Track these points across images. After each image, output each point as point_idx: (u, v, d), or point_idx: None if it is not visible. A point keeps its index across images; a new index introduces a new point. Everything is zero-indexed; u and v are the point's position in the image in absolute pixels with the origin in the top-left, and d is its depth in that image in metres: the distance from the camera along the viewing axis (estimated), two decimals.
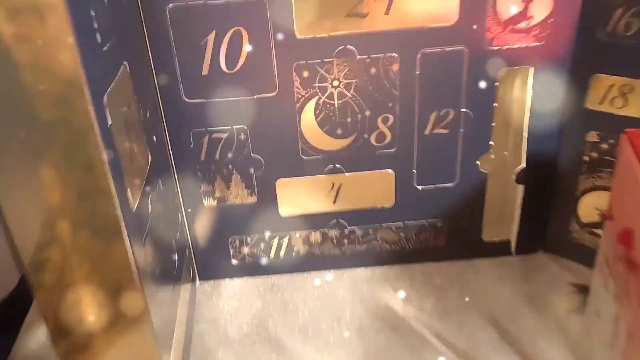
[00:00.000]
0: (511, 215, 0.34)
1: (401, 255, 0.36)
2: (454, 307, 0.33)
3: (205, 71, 0.29)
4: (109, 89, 0.21)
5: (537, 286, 0.34)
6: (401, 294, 0.34)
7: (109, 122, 0.20)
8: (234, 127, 0.31)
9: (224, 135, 0.31)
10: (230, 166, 0.32)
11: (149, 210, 0.26)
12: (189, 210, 0.33)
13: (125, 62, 0.24)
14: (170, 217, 0.31)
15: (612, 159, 0.31)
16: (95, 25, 0.20)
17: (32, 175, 0.19)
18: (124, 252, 0.21)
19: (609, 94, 0.29)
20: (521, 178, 0.31)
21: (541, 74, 0.30)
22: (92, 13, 0.20)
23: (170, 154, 0.31)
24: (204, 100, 0.30)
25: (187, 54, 0.28)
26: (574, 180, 0.33)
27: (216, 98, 0.30)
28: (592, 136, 0.31)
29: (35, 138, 0.18)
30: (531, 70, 0.30)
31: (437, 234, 0.35)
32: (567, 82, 0.30)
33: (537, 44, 0.29)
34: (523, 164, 0.31)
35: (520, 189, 0.32)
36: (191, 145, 0.31)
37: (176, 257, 0.32)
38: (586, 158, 0.32)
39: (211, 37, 0.28)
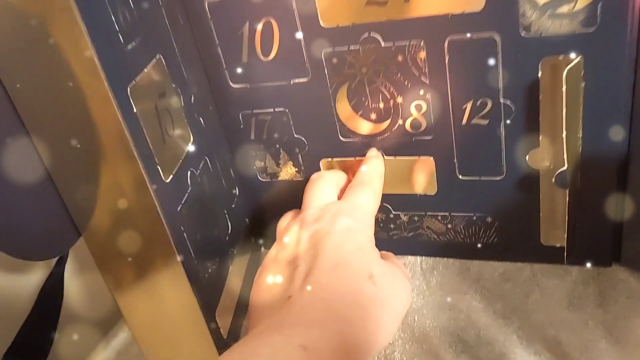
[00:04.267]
0: (570, 220, 0.33)
1: (451, 248, 0.37)
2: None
3: (245, 59, 0.34)
4: (133, 82, 0.28)
5: (614, 308, 0.32)
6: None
7: (134, 109, 0.27)
8: (276, 109, 0.36)
9: (269, 117, 0.37)
10: (277, 145, 0.38)
11: (189, 182, 0.33)
12: (245, 184, 0.40)
13: (159, 55, 0.31)
14: (222, 190, 0.38)
15: None
16: (117, 28, 0.27)
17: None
18: (156, 214, 0.28)
19: None
20: (561, 181, 0.31)
21: (594, 64, 0.28)
22: (113, 18, 0.26)
23: (224, 134, 0.38)
24: (248, 85, 0.36)
25: (228, 44, 0.34)
26: None
27: (257, 83, 0.35)
28: None
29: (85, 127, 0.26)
30: (580, 60, 0.28)
31: (487, 229, 0.36)
32: (630, 71, 0.28)
33: (586, 30, 0.28)
34: (569, 166, 0.30)
35: (565, 193, 0.32)
36: (241, 126, 0.37)
37: (229, 224, 0.39)
38: None
39: (246, 28, 0.33)
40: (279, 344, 0.23)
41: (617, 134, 0.30)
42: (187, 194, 0.32)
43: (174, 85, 0.32)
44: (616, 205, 0.32)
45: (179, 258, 0.30)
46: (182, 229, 0.30)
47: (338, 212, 0.31)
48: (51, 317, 0.35)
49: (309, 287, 0.26)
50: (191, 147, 0.33)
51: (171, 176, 0.30)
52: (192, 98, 0.35)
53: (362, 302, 0.26)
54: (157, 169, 0.29)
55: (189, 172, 0.33)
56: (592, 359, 0.30)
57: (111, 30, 0.26)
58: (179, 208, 0.31)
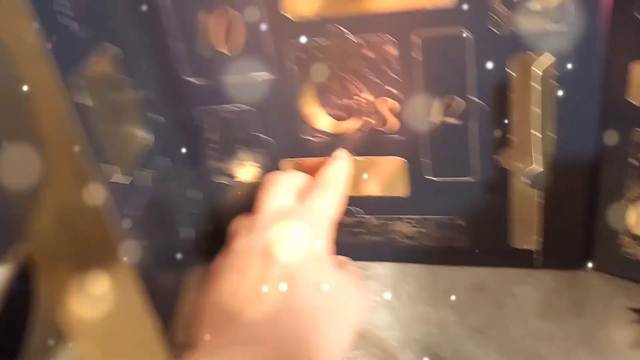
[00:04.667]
0: (542, 223, 0.33)
1: (421, 252, 0.37)
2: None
3: (204, 52, 0.33)
4: (82, 69, 0.26)
5: (590, 316, 0.32)
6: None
7: (83, 101, 0.26)
8: (238, 106, 0.35)
9: (230, 115, 0.35)
10: (238, 144, 0.36)
11: (143, 182, 0.31)
12: (205, 187, 0.38)
13: (111, 45, 0.29)
14: (179, 191, 0.36)
15: None
16: (65, 9, 0.25)
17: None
18: (107, 216, 0.26)
19: None
20: (537, 182, 0.30)
21: (566, 61, 0.28)
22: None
23: (183, 132, 0.36)
24: (207, 81, 0.34)
25: (186, 37, 0.33)
26: (620, 187, 0.30)
27: (218, 78, 0.34)
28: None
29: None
30: (551, 58, 0.28)
31: (459, 233, 0.35)
32: (601, 71, 0.28)
33: (558, 27, 0.27)
34: (540, 167, 0.30)
35: (537, 194, 0.31)
36: (200, 124, 0.36)
37: (187, 227, 0.37)
38: (634, 161, 0.29)
39: (206, 20, 0.32)
40: None
41: (589, 132, 0.30)
42: (141, 194, 0.31)
43: (128, 78, 0.31)
44: (589, 208, 0.32)
45: (131, 263, 0.28)
46: (136, 232, 0.29)
47: (293, 218, 0.29)
48: (22, 317, 0.33)
49: (257, 303, 0.25)
50: (146, 145, 0.32)
51: (124, 175, 0.29)
52: (148, 93, 0.33)
53: (314, 316, 0.25)
54: (109, 166, 0.27)
55: (143, 172, 0.31)
56: None
57: (59, 10, 0.25)
58: (132, 209, 0.29)
